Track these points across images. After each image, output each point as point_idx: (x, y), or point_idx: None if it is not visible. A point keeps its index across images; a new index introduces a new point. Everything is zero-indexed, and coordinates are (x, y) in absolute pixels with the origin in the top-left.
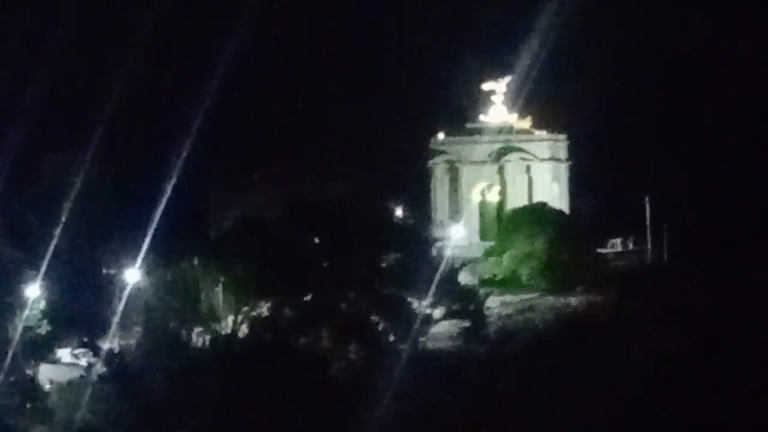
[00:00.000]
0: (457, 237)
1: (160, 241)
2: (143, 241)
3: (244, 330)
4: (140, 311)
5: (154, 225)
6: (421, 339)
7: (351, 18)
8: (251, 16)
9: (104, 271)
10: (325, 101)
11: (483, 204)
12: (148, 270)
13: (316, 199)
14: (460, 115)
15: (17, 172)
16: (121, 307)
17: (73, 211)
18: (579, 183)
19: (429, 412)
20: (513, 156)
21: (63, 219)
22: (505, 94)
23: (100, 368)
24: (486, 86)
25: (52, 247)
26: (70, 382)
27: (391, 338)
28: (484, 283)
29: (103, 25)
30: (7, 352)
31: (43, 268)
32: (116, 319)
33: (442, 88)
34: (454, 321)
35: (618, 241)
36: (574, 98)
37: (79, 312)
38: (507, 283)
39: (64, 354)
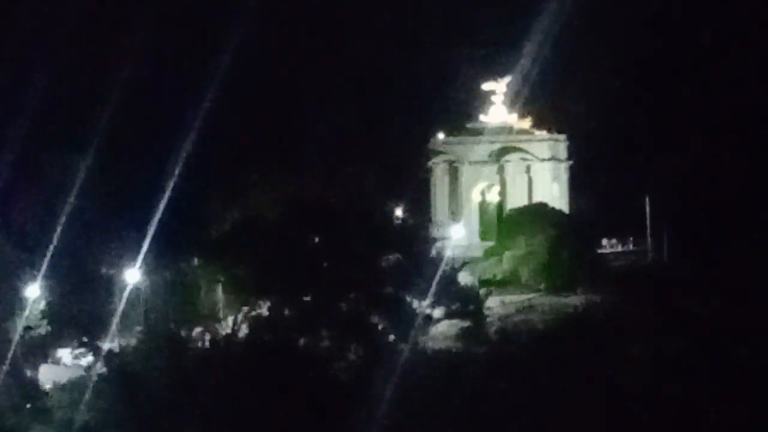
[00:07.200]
0: (457, 237)
1: (160, 241)
2: (143, 241)
3: (244, 330)
4: (140, 311)
5: (154, 225)
6: (421, 339)
7: (351, 18)
8: (251, 16)
9: (104, 271)
10: (325, 101)
11: (483, 204)
12: (148, 270)
13: (316, 199)
14: (460, 115)
15: (17, 173)
16: (121, 307)
17: (73, 211)
18: (579, 183)
19: (429, 412)
20: (513, 156)
21: (63, 219)
22: (505, 94)
23: (100, 368)
24: (486, 86)
25: (52, 247)
26: (70, 382)
27: (391, 338)
28: (484, 283)
29: (103, 25)
30: (7, 352)
31: (43, 268)
32: (116, 319)
33: (442, 88)
34: (454, 321)
35: (614, 240)
36: (574, 98)
37: (79, 312)
38: (507, 283)
39: (64, 354)
